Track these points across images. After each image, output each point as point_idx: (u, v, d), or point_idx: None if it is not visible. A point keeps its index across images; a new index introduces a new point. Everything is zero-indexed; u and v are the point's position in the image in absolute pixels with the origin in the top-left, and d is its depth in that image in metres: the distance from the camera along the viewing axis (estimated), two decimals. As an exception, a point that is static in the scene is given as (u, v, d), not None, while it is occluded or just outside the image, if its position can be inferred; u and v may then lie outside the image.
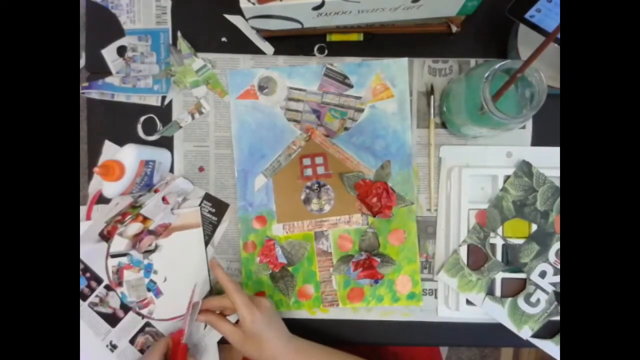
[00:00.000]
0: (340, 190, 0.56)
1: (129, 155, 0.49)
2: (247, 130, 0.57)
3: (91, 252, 0.57)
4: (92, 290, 0.57)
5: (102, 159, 0.57)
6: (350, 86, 0.56)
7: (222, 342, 0.57)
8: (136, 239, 0.55)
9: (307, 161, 0.56)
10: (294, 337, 0.50)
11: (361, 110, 0.56)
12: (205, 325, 0.56)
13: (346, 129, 0.56)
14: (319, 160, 0.56)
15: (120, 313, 0.57)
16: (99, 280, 0.57)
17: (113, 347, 0.57)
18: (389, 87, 0.56)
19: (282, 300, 0.57)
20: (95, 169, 0.47)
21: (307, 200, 0.57)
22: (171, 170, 0.57)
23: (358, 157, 0.56)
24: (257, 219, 0.57)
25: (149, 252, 0.57)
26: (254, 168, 0.57)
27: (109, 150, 0.57)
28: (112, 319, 0.57)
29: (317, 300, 0.57)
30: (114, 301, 0.57)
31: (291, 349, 0.48)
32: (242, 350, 0.47)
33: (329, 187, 0.56)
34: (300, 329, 0.57)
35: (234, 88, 0.57)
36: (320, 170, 0.56)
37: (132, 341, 0.57)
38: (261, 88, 0.56)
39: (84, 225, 0.56)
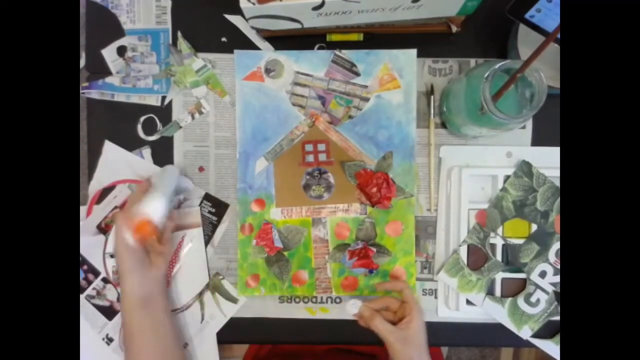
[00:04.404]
0: (340, 178, 0.56)
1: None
2: (251, 112, 0.56)
3: (89, 245, 0.57)
4: (90, 282, 0.57)
5: (102, 159, 0.57)
6: (357, 74, 0.56)
7: (222, 342, 0.57)
8: (136, 238, 0.55)
9: (309, 147, 0.56)
10: None
11: (367, 100, 0.56)
12: (203, 318, 0.56)
13: (350, 117, 0.56)
14: (321, 147, 0.56)
15: (117, 306, 0.57)
16: (96, 273, 0.57)
17: (109, 340, 0.57)
18: (396, 77, 0.56)
19: (275, 284, 0.56)
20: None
21: (306, 186, 0.56)
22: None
23: (360, 146, 0.56)
24: (256, 202, 0.56)
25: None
26: (256, 151, 0.56)
27: (109, 150, 0.57)
28: (108, 312, 0.57)
29: (311, 287, 0.56)
30: (111, 294, 0.57)
31: None
32: (399, 349, 0.48)
33: (329, 175, 0.56)
34: (300, 328, 0.57)
35: (240, 69, 0.56)
36: (322, 157, 0.56)
37: None
38: (268, 71, 0.56)
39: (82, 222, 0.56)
